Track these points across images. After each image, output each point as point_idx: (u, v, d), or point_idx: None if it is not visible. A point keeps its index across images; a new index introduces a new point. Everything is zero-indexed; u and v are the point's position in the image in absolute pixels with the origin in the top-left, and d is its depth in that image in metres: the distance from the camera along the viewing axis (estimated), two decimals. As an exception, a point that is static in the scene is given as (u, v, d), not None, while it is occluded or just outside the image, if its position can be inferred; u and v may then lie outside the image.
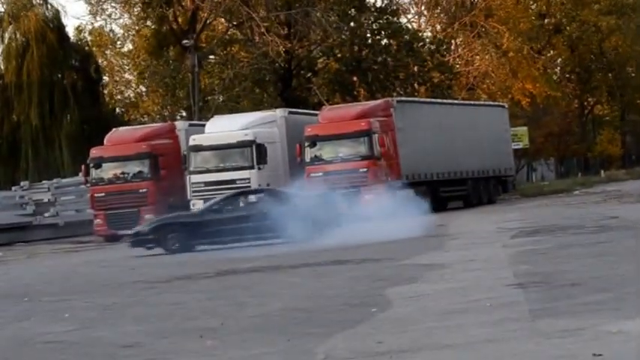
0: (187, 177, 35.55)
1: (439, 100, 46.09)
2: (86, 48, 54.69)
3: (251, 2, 50.21)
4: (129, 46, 59.56)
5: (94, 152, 36.92)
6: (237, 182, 35.00)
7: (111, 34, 59.30)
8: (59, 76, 49.70)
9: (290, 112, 38.57)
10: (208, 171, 35.25)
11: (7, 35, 49.80)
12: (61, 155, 47.40)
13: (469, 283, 13.26)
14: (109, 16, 55.64)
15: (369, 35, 54.86)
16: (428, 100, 47.14)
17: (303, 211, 23.45)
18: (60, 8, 54.19)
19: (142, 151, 36.07)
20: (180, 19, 52.49)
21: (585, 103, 70.59)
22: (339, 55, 53.61)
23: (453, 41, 57.43)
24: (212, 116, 41.80)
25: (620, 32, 64.49)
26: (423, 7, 59.72)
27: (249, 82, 52.88)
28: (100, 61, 55.44)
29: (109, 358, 9.67)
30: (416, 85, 54.52)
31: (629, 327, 8.70)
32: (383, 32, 54.48)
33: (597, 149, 70.11)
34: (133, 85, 59.75)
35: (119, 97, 58.31)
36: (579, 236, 19.33)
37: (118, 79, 59.16)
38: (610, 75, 68.58)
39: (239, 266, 18.50)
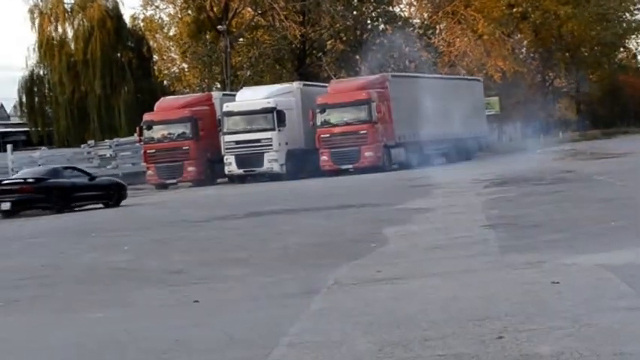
0: (221, 137, 35.57)
1: (426, 75, 45.78)
2: (139, 32, 54.37)
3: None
4: (173, 30, 59.22)
5: (146, 117, 36.92)
6: (262, 141, 34.96)
7: (159, 21, 58.95)
8: (118, 55, 49.58)
9: (304, 85, 38.42)
10: (238, 132, 35.20)
11: (76, 22, 49.75)
12: (119, 119, 47.40)
13: (450, 224, 13.24)
14: (157, 7, 55.65)
15: (369, 22, 54.58)
16: (417, 74, 46.82)
17: None
18: (118, 0, 53.81)
19: (184, 115, 36.06)
20: (215, 9, 52.37)
21: (547, 77, 70.18)
22: (344, 38, 53.36)
23: (437, 26, 56.97)
24: (241, 88, 41.68)
25: (575, 19, 63.91)
26: (413, -1, 59.12)
27: (271, 60, 52.68)
28: (150, 43, 55.13)
29: (160, 282, 9.71)
30: (407, 62, 54.21)
31: (581, 260, 8.70)
32: (380, 19, 54.19)
33: (556, 115, 69.74)
34: (177, 62, 59.48)
35: (166, 72, 58.00)
36: (540, 186, 19.22)
37: (165, 57, 58.81)
38: (567, 54, 68.03)
39: (263, 209, 18.52)
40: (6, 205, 22.32)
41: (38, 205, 22.63)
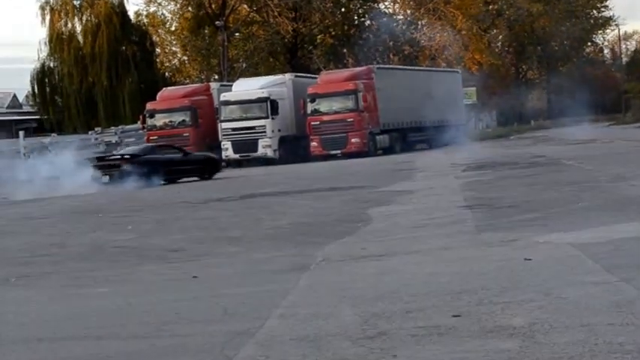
0: (219, 124, 35.46)
1: (409, 67, 45.71)
2: (143, 27, 54.08)
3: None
4: (174, 26, 58.92)
5: (149, 106, 36.76)
6: (256, 128, 34.87)
7: (161, 17, 58.65)
8: (123, 48, 49.37)
9: (296, 76, 38.30)
10: (235, 120, 35.12)
11: (84, 18, 49.66)
12: (124, 108, 47.26)
13: (430, 205, 13.23)
14: (160, 4, 55.41)
15: (356, 18, 54.45)
16: (400, 67, 46.73)
17: None
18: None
19: (185, 104, 35.95)
20: (213, 6, 52.14)
21: (520, 70, 70.23)
22: (333, 33, 53.22)
23: (419, 22, 56.88)
24: (237, 79, 41.51)
25: (547, 15, 63.94)
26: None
27: (265, 53, 52.55)
28: (153, 37, 54.86)
29: (161, 259, 9.67)
30: (391, 55, 54.11)
31: (552, 238, 8.69)
32: (366, 15, 54.03)
33: (529, 104, 69.87)
34: (178, 55, 59.23)
35: (168, 64, 57.74)
36: (514, 170, 19.24)
37: (166, 51, 58.54)
38: (539, 48, 68.10)
39: (257, 191, 18.46)
40: (106, 179, 23.33)
41: (133, 178, 23.12)
